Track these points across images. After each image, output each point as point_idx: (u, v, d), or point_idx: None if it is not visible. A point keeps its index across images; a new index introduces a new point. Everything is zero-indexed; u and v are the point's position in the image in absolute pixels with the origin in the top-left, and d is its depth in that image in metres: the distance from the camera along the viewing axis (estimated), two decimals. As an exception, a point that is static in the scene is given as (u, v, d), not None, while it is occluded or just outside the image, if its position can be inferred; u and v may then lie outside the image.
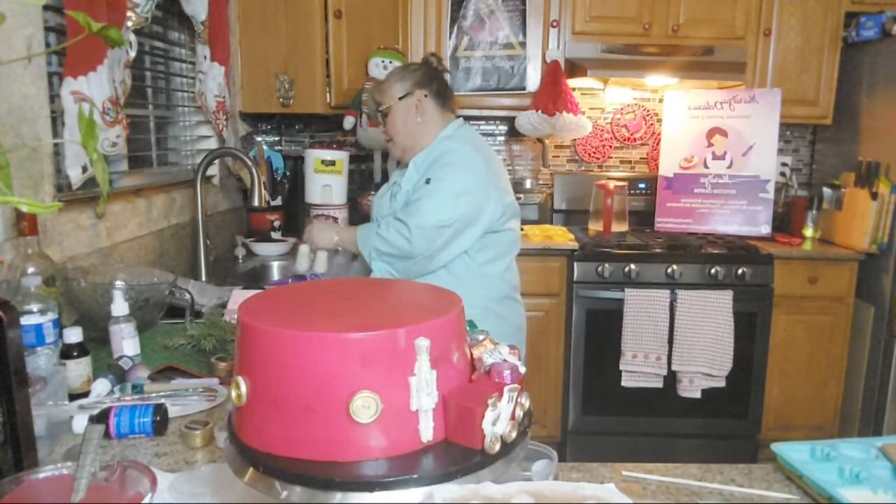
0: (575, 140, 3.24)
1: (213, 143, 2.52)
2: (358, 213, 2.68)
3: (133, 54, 1.71)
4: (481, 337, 0.77)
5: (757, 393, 2.72)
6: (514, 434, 0.67)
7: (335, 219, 2.73)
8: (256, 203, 2.04)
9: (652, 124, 3.25)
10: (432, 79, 1.82)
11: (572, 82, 2.90)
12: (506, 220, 1.78)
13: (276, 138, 3.18)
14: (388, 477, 0.61)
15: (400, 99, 1.78)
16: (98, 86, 1.50)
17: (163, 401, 1.07)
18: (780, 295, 2.70)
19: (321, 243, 1.88)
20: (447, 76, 1.89)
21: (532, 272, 2.64)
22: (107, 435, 0.98)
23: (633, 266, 2.64)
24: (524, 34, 2.91)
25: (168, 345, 1.39)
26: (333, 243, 1.86)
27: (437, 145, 1.77)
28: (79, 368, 1.13)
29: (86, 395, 1.13)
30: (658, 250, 2.68)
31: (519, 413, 0.69)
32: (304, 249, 1.93)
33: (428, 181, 1.71)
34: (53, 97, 1.48)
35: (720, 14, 2.86)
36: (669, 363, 2.61)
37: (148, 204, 1.95)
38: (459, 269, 1.74)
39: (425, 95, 1.79)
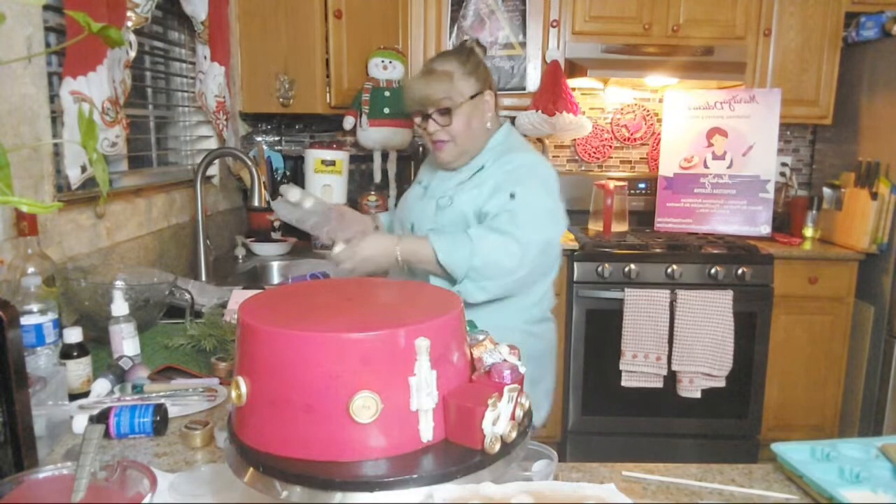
0: (575, 140, 3.24)
1: (213, 143, 2.52)
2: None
3: (133, 54, 1.71)
4: (481, 337, 0.77)
5: (757, 393, 2.72)
6: (514, 434, 0.67)
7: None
8: (256, 203, 2.04)
9: (652, 124, 3.25)
10: (490, 74, 1.57)
11: (572, 82, 2.90)
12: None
13: (276, 138, 3.18)
14: (388, 477, 0.61)
15: (471, 98, 1.49)
16: (98, 86, 1.50)
17: (163, 401, 1.07)
18: (780, 295, 2.70)
19: (378, 260, 1.41)
20: None
21: (532, 272, 2.64)
22: (107, 435, 0.98)
23: (633, 266, 2.64)
24: (524, 34, 2.91)
25: (168, 345, 1.39)
26: (394, 257, 1.40)
27: (508, 158, 1.51)
28: (79, 368, 1.13)
29: (86, 395, 1.13)
30: (658, 250, 2.68)
31: (519, 413, 0.69)
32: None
33: (512, 196, 1.44)
34: (53, 97, 1.48)
35: (720, 14, 2.86)
36: (669, 363, 2.61)
37: (148, 204, 1.95)
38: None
39: (493, 95, 1.55)
